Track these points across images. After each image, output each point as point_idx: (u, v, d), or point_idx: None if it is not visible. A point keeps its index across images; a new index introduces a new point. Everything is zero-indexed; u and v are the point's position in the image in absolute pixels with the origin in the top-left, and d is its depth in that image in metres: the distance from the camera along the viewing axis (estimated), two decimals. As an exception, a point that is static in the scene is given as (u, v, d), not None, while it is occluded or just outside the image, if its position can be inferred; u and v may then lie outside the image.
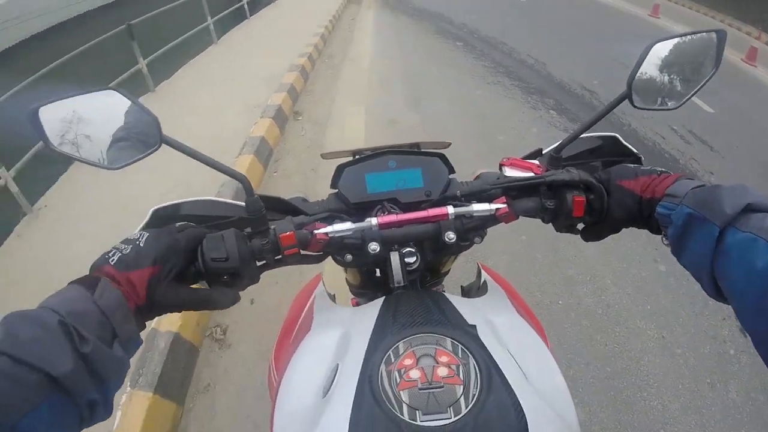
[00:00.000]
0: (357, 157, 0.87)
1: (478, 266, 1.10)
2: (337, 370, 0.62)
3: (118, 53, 5.86)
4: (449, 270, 1.06)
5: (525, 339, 0.72)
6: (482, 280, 1.02)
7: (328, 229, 0.72)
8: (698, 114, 6.44)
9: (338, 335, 0.68)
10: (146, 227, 0.72)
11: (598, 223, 0.76)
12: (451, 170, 0.85)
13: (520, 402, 0.55)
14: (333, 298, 1.01)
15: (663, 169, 0.71)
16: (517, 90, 6.34)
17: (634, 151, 0.85)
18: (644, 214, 0.70)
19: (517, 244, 3.22)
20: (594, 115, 0.75)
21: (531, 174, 0.77)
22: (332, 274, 1.26)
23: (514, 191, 0.80)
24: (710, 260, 0.56)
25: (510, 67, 7.32)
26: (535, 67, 7.46)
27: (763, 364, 0.49)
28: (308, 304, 0.90)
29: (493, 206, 0.75)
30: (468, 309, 0.71)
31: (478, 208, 0.75)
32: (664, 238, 0.68)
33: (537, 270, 3.04)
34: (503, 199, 0.78)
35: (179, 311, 0.64)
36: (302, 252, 0.73)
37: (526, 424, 0.53)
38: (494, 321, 0.71)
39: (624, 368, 2.49)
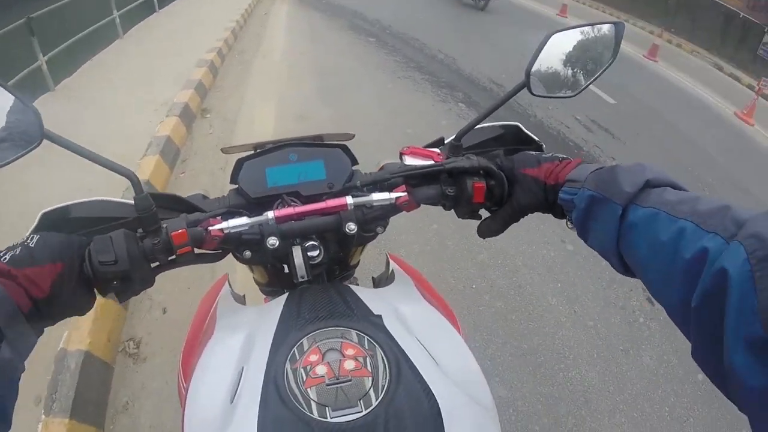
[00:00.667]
0: (258, 150, 0.85)
1: (387, 256, 1.10)
2: (242, 373, 0.60)
3: (15, 48, 5.51)
4: (358, 262, 1.05)
5: (434, 326, 0.72)
6: (390, 270, 1.02)
7: (223, 225, 0.70)
8: (601, 105, 6.89)
9: (242, 337, 0.67)
10: (35, 231, 0.67)
11: (500, 211, 0.77)
12: (354, 161, 0.85)
13: (432, 389, 0.56)
14: (242, 298, 0.99)
15: (564, 156, 0.74)
16: (427, 84, 6.52)
17: (536, 139, 0.87)
18: (549, 200, 0.72)
19: (429, 233, 3.33)
20: (493, 103, 0.77)
21: (431, 162, 0.78)
22: (243, 272, 1.25)
23: (415, 180, 0.79)
24: (616, 239, 0.58)
25: (421, 63, 7.51)
26: (445, 62, 7.70)
27: (674, 328, 0.52)
28: (212, 307, 0.87)
29: (393, 195, 0.75)
30: (374, 299, 0.71)
31: (378, 197, 0.75)
32: (568, 223, 0.70)
33: (449, 257, 3.15)
34: (403, 187, 0.79)
35: (82, 314, 0.63)
36: (197, 251, 0.70)
37: (439, 410, 0.54)
38: (401, 309, 0.71)
39: (540, 344, 2.64)
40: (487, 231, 0.80)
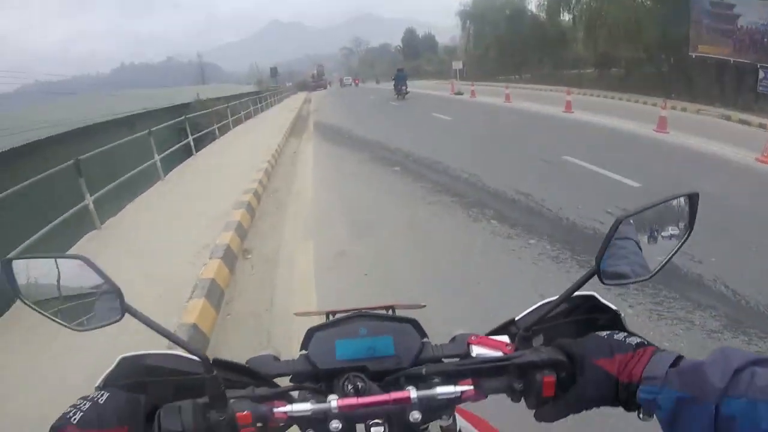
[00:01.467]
0: (329, 319, 0.86)
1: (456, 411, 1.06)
2: None
3: (65, 188, 5.86)
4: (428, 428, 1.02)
5: None
6: (458, 428, 0.96)
7: (287, 408, 0.70)
8: (626, 191, 6.92)
9: None
10: (110, 376, 0.71)
11: (564, 398, 0.73)
12: (423, 335, 0.84)
13: None
14: None
15: (638, 339, 0.70)
16: (456, 206, 6.67)
17: (613, 308, 0.82)
18: (621, 397, 0.68)
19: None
20: (562, 294, 0.74)
21: (499, 354, 0.76)
22: None
23: (482, 370, 0.77)
24: None
25: (447, 184, 7.75)
26: (470, 181, 7.92)
27: None
28: None
29: (459, 389, 0.73)
30: None
31: (443, 390, 0.72)
32: (641, 415, 0.66)
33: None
34: (469, 381, 0.76)
35: None
36: (261, 429, 0.71)
37: None
38: None
39: None
40: (545, 417, 0.76)
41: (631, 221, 0.74)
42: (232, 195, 6.78)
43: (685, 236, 0.75)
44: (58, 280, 0.67)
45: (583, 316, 0.83)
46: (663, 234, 0.76)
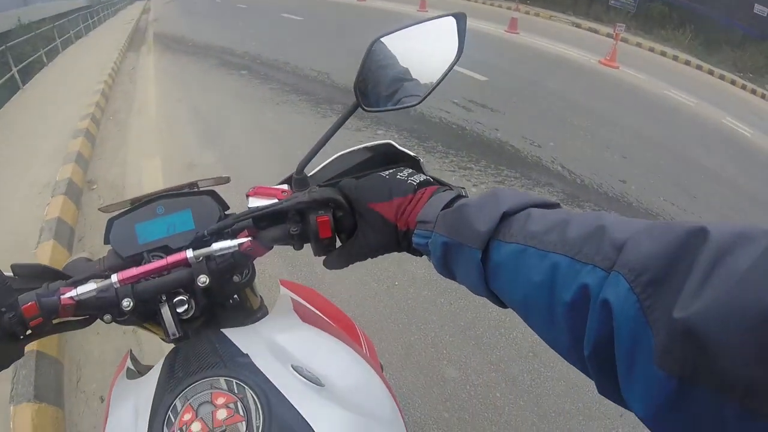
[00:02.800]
0: (133, 206, 0.82)
1: (279, 283, 1.06)
2: None
3: None
4: (259, 304, 0.98)
5: (315, 345, 0.72)
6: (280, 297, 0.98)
7: (72, 293, 0.67)
8: (473, 84, 7.37)
9: (130, 411, 0.66)
10: None
11: (346, 245, 0.72)
12: (225, 206, 0.82)
13: (306, 418, 0.57)
14: (147, 369, 0.95)
15: (423, 178, 0.67)
16: (305, 104, 6.77)
17: (411, 154, 0.79)
18: (402, 243, 0.66)
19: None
20: (328, 129, 0.72)
21: (274, 201, 0.74)
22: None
23: (264, 221, 0.75)
24: (484, 281, 0.53)
25: (296, 85, 7.74)
26: (319, 79, 7.98)
27: None
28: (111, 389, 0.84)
29: (235, 242, 0.70)
30: (245, 337, 0.71)
31: (219, 246, 0.70)
32: (430, 259, 0.63)
33: (366, 264, 3.28)
34: (245, 233, 0.75)
35: None
36: (56, 320, 0.69)
37: None
38: (276, 339, 0.71)
39: (474, 317, 2.78)
40: (331, 264, 0.75)
41: (394, 45, 0.70)
42: (68, 124, 6.27)
43: (455, 58, 0.72)
44: None
45: (383, 167, 0.78)
46: (429, 57, 0.73)
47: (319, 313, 0.90)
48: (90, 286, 0.68)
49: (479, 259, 0.51)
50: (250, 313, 0.94)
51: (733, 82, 13.35)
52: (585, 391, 2.42)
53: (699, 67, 14.14)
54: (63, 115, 6.80)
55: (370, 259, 0.71)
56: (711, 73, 13.90)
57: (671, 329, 0.31)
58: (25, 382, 2.36)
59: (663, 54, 14.85)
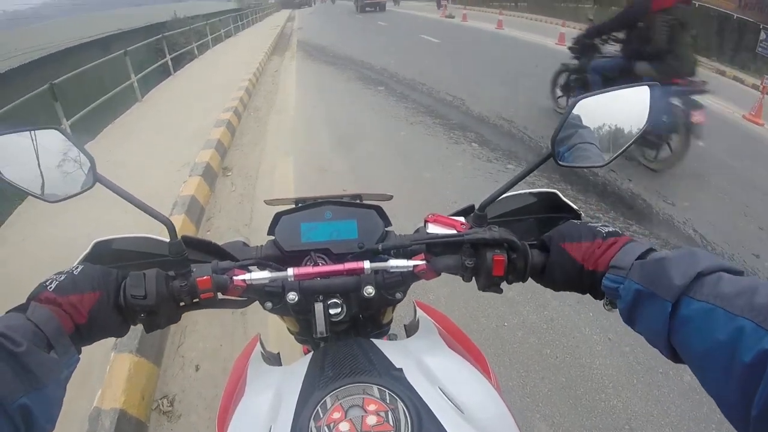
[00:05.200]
0: (298, 205, 0.88)
1: (414, 304, 1.10)
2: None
3: (41, 114, 5.77)
4: (391, 319, 1.03)
5: (459, 373, 0.72)
6: (417, 318, 1.02)
7: (246, 276, 0.73)
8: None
9: (270, 397, 0.68)
10: (86, 258, 0.78)
11: (540, 282, 0.76)
12: (388, 223, 0.86)
13: None
14: (276, 357, 1.03)
15: (610, 229, 0.70)
16: (439, 127, 6.62)
17: (574, 207, 0.84)
18: (585, 283, 0.69)
19: (455, 278, 3.33)
20: (517, 174, 0.74)
21: (452, 231, 0.76)
22: (277, 328, 1.22)
23: (438, 248, 0.78)
24: (666, 333, 0.54)
25: (430, 107, 7.65)
26: (454, 104, 7.82)
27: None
28: (245, 369, 0.89)
29: (411, 263, 0.75)
30: (396, 352, 0.72)
31: (396, 263, 0.74)
32: (606, 306, 0.67)
33: (478, 297, 3.10)
34: (422, 255, 0.79)
35: (118, 336, 0.69)
36: (221, 296, 0.74)
37: None
38: (424, 360, 0.72)
39: (578, 375, 2.60)
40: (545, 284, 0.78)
41: (591, 105, 0.72)
42: (211, 113, 6.65)
43: (643, 126, 0.73)
44: (36, 153, 0.69)
45: (545, 214, 0.85)
46: (620, 122, 0.74)
47: (456, 342, 0.89)
48: (264, 274, 0.74)
49: (669, 311, 0.53)
50: (380, 326, 0.98)
51: None
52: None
53: None
54: (207, 105, 7.22)
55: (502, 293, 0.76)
56: None
57: None
58: (131, 334, 2.42)
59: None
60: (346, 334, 0.85)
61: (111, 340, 2.26)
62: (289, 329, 1.08)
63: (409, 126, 6.70)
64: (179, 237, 0.73)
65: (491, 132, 6.45)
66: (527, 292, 3.18)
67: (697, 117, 4.73)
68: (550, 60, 7.88)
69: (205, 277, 0.70)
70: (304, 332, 1.00)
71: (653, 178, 5.39)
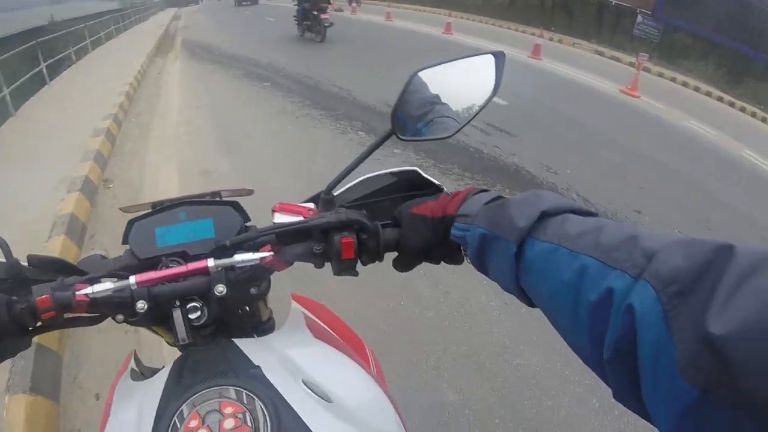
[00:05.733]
0: (155, 209, 0.84)
1: (291, 297, 1.07)
2: None
3: None
4: (269, 316, 0.99)
5: (326, 362, 0.73)
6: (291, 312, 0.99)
7: (88, 290, 0.68)
8: (494, 108, 7.37)
9: (133, 413, 0.65)
10: None
11: (399, 256, 0.76)
12: (246, 218, 0.83)
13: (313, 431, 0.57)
14: (152, 371, 0.94)
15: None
16: (325, 119, 6.80)
17: (436, 182, 0.82)
18: (439, 238, 0.68)
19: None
20: (361, 153, 0.74)
21: (299, 218, 0.75)
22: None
23: (287, 237, 0.76)
24: (515, 276, 0.54)
25: (317, 99, 7.81)
26: (341, 95, 8.05)
27: None
28: (113, 390, 0.84)
29: (258, 255, 0.71)
30: (257, 349, 0.72)
31: (241, 258, 0.71)
32: (467, 259, 0.66)
33: (373, 281, 3.15)
34: (269, 247, 0.76)
35: None
36: (67, 315, 0.69)
37: None
38: (288, 353, 0.71)
39: (479, 342, 2.73)
40: (398, 267, 0.79)
41: (432, 78, 0.72)
42: (89, 122, 6.39)
43: (490, 95, 0.74)
44: None
45: (407, 192, 0.82)
46: (465, 92, 0.75)
47: (330, 330, 0.91)
48: (106, 285, 0.69)
49: (513, 254, 0.53)
50: (259, 324, 0.95)
51: (754, 115, 13.11)
52: (587, 421, 2.38)
53: (720, 99, 13.88)
54: (86, 114, 6.91)
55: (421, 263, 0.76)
56: (732, 105, 13.65)
57: (695, 341, 0.32)
58: (23, 373, 2.35)
59: (685, 84, 14.67)
60: (215, 338, 0.80)
61: (3, 380, 2.27)
62: (166, 341, 1.00)
63: (296, 120, 6.81)
64: (24, 256, 0.70)
65: (378, 120, 6.70)
66: (420, 269, 3.43)
67: (323, 17, 12.29)
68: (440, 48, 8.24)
69: (44, 296, 0.65)
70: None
71: (537, 151, 5.86)
